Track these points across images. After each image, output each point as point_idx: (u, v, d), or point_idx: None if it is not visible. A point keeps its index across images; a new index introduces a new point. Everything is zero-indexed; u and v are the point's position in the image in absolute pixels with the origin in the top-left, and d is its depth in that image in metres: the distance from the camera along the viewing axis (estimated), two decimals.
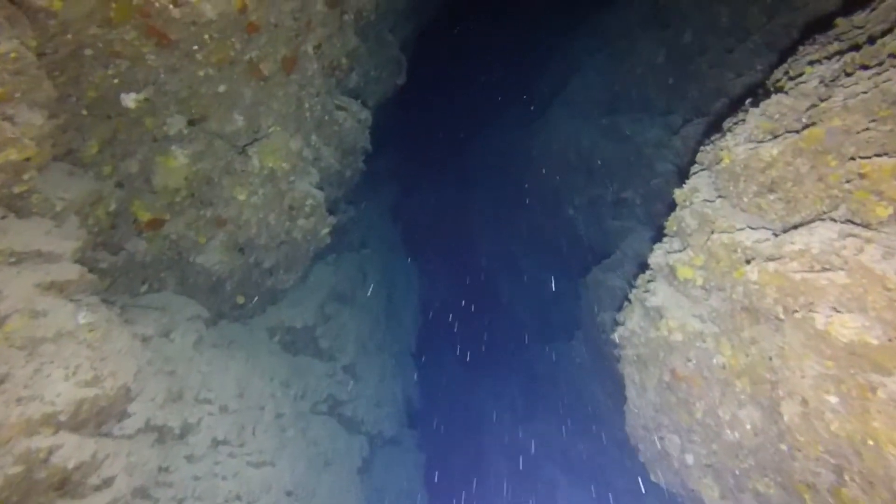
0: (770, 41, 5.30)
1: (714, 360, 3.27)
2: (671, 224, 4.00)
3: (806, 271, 2.39)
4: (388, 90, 7.55)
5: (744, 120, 3.26)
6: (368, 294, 7.81)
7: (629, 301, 4.45)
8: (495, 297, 11.63)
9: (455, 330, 11.85)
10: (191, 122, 4.29)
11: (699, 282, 3.57)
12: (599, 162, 7.84)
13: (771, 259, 2.62)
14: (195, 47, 3.60)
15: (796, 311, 2.47)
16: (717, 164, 3.39)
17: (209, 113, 4.30)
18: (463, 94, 15.51)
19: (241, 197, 4.70)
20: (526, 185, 10.04)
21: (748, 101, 3.68)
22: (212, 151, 4.46)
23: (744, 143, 3.09)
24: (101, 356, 2.95)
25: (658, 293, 3.86)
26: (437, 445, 10.35)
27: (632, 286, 4.84)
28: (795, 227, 2.69)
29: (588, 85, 9.02)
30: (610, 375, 7.09)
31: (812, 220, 2.59)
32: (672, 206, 6.73)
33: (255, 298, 5.74)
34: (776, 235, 2.71)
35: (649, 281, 4.05)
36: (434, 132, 14.77)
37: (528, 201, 10.13)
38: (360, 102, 5.96)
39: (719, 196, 3.37)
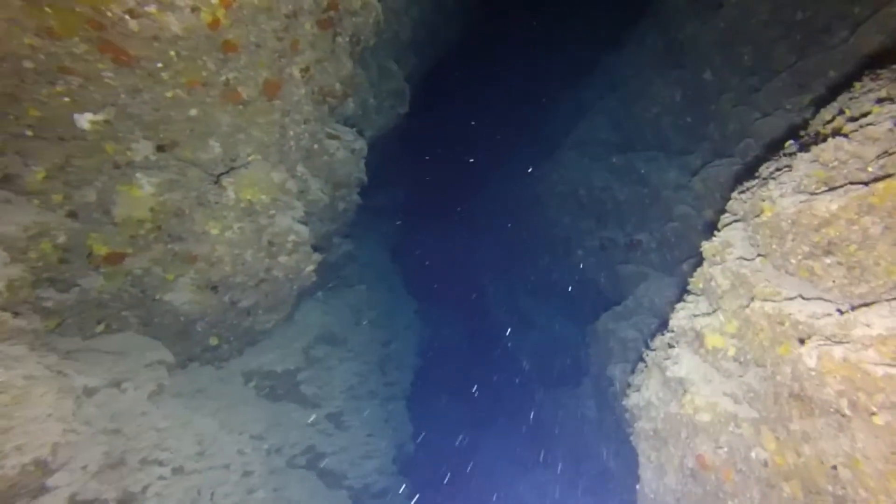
0: (802, 81, 4.82)
1: (753, 454, 2.67)
2: (696, 281, 3.43)
3: (890, 365, 1.82)
4: (389, 121, 7.14)
5: (789, 167, 2.73)
6: (362, 335, 7.24)
7: (645, 364, 3.86)
8: (498, 339, 11.00)
9: (455, 374, 11.19)
10: (160, 149, 3.83)
11: (731, 352, 2.99)
12: (610, 204, 7.33)
13: (836, 342, 2.06)
14: (160, 66, 3.15)
15: (875, 414, 1.88)
16: (757, 216, 2.84)
17: (180, 139, 3.84)
18: (471, 133, 15.21)
19: (215, 231, 4.21)
20: (533, 226, 9.53)
21: (791, 143, 3.16)
22: (183, 181, 3.99)
23: (791, 193, 2.56)
24: (7, 426, 2.40)
25: (681, 362, 3.27)
26: (432, 495, 9.59)
27: (647, 343, 4.26)
28: (865, 301, 2.13)
29: (598, 126, 8.59)
30: (619, 433, 6.42)
31: (889, 295, 2.02)
32: (692, 252, 6.18)
33: (232, 340, 5.20)
34: (840, 312, 2.15)
35: (670, 346, 3.46)
36: (440, 169, 14.42)
37: (534, 242, 9.60)
38: (355, 132, 5.51)
39: (759, 254, 2.82)
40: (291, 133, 4.36)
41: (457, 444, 10.75)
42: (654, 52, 7.54)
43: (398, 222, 11.24)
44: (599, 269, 7.58)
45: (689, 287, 3.64)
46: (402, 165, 13.88)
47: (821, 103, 4.54)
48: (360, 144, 5.48)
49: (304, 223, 4.89)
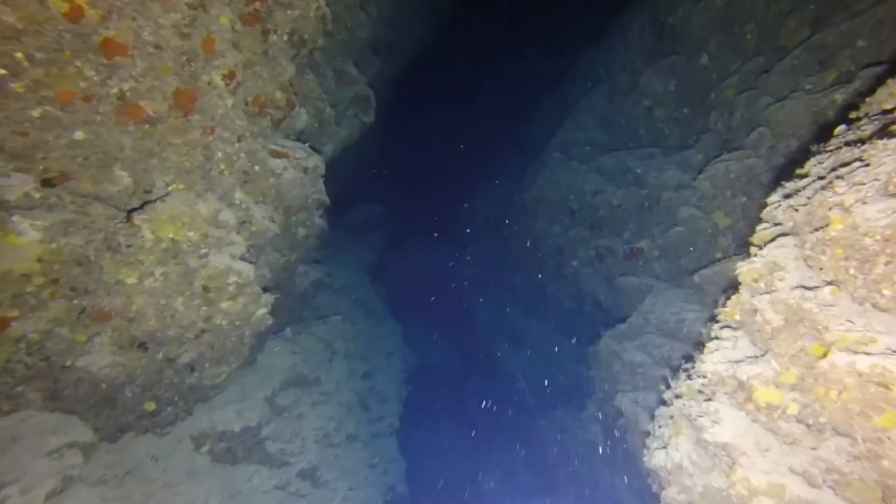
0: (822, 56, 4.08)
1: None
2: (731, 313, 2.66)
3: None
4: (354, 132, 6.35)
5: (863, 161, 1.96)
6: (337, 372, 6.41)
7: (670, 414, 3.08)
8: (491, 360, 10.20)
9: (448, 399, 10.38)
10: (46, 183, 3.01)
11: (793, 411, 2.21)
12: (604, 210, 6.57)
13: None
14: (4, 72, 2.33)
15: None
16: (818, 229, 2.08)
17: (72, 169, 3.02)
18: (452, 139, 14.46)
19: (131, 280, 3.39)
20: (522, 237, 8.76)
21: (844, 129, 2.39)
22: (84, 222, 3.17)
23: (878, 198, 1.79)
24: None
25: (722, 420, 2.49)
26: None
27: (667, 382, 3.49)
28: None
29: (584, 125, 7.85)
30: (631, 466, 5.63)
31: None
32: (701, 260, 5.43)
33: (176, 401, 4.37)
34: None
35: (704, 396, 2.68)
36: (421, 180, 13.63)
37: (524, 254, 8.82)
38: (308, 147, 4.71)
39: (828, 282, 2.04)
40: (220, 154, 3.55)
41: (455, 474, 9.92)
42: (642, 40, 6.82)
43: (378, 240, 10.43)
44: (597, 282, 6.81)
45: (719, 318, 2.87)
46: (381, 178, 13.10)
47: (850, 79, 3.81)
48: (315, 161, 4.68)
49: (250, 260, 4.08)
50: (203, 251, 3.58)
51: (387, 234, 11.42)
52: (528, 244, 8.72)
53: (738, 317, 2.65)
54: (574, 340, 8.80)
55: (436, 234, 12.92)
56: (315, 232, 5.47)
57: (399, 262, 12.32)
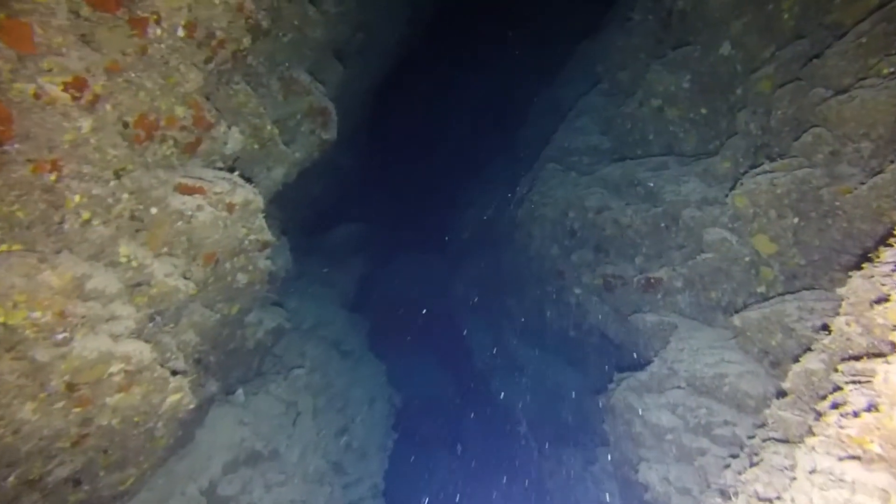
0: None
1: None
2: (861, 439, 1.59)
3: None
4: (311, 151, 5.28)
5: None
6: (302, 437, 5.31)
7: None
8: (486, 391, 9.10)
9: (440, 441, 9.29)
10: None
11: None
12: (610, 229, 5.50)
13: None
14: None
15: None
16: None
17: None
18: (438, 151, 13.41)
19: None
20: (516, 258, 7.69)
21: None
22: None
23: None
24: None
25: None
26: None
27: (723, 494, 2.43)
28: None
29: (582, 130, 6.80)
30: None
31: None
32: (737, 294, 4.36)
33: None
34: None
35: None
36: (406, 195, 12.57)
37: (519, 276, 7.76)
38: (236, 177, 3.64)
39: None
40: (78, 198, 2.47)
41: None
42: (646, 30, 5.79)
43: (359, 265, 9.35)
44: (606, 315, 5.73)
45: (820, 434, 1.80)
46: (362, 195, 12.05)
47: None
48: (245, 195, 3.60)
49: (149, 335, 3.00)
50: (61, 336, 2.50)
51: (369, 257, 10.35)
52: (521, 266, 7.64)
53: (875, 446, 1.57)
54: (578, 370, 7.76)
55: (421, 254, 11.85)
56: (260, 277, 4.38)
57: (383, 286, 11.24)
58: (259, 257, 4.31)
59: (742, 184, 3.92)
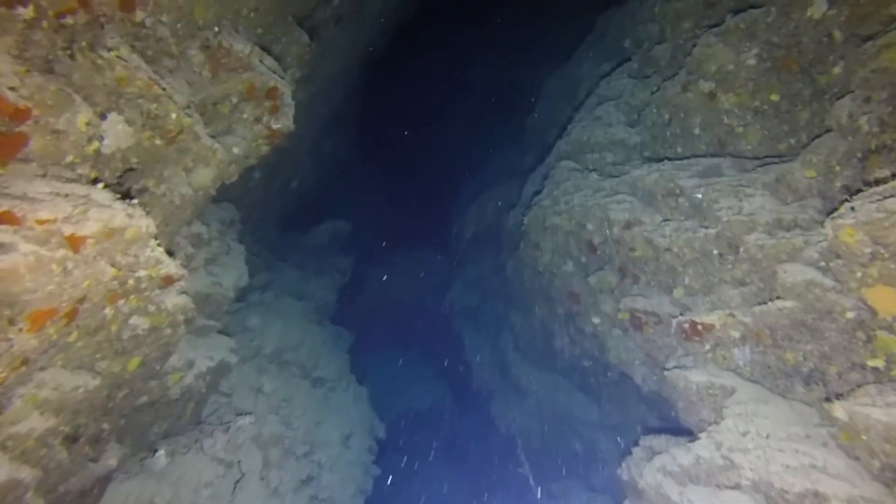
0: None
1: None
2: None
3: None
4: (258, 146, 4.01)
5: None
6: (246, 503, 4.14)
7: None
8: (489, 424, 7.91)
9: (437, 476, 8.16)
10: None
11: None
12: (641, 249, 4.20)
13: None
14: None
15: None
16: None
17: None
18: (436, 137, 12.03)
19: None
20: (520, 267, 6.42)
21: None
22: None
23: None
24: None
25: None
26: None
27: None
28: None
29: (604, 119, 5.44)
30: None
31: None
32: (840, 361, 2.79)
33: None
34: None
35: None
36: (400, 189, 11.26)
37: (524, 290, 6.51)
38: (106, 194, 2.40)
39: None
40: None
41: None
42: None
43: (341, 267, 8.10)
44: (632, 356, 4.47)
45: None
46: (353, 187, 10.75)
47: None
48: (113, 220, 2.34)
49: None
50: None
51: (357, 256, 9.11)
52: (527, 279, 6.38)
53: None
54: (594, 401, 6.56)
55: (418, 251, 10.60)
56: (170, 319, 3.16)
57: (373, 287, 10.04)
58: (164, 294, 3.08)
59: (854, 209, 2.60)
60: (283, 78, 4.12)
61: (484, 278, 8.24)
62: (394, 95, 10.91)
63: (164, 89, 2.84)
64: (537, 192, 5.78)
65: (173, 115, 2.96)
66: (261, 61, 3.90)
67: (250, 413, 4.51)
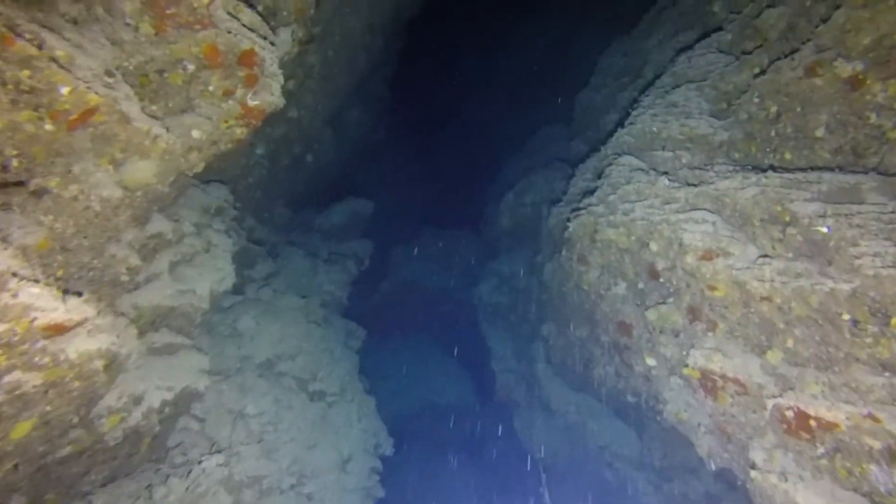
0: None
1: None
2: None
3: None
4: (227, 127, 3.04)
5: None
6: None
7: None
8: (511, 433, 7.00)
9: (451, 476, 7.37)
10: None
11: None
12: (722, 292, 3.06)
13: None
14: None
15: None
16: None
17: None
18: (474, 108, 10.78)
19: None
20: (560, 276, 5.35)
21: None
22: None
23: None
24: None
25: None
26: None
27: None
28: None
29: (680, 107, 4.20)
30: None
31: None
32: None
33: None
34: None
35: None
36: (431, 162, 10.17)
37: (563, 302, 5.45)
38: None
39: None
40: None
41: None
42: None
43: (359, 257, 7.17)
44: (695, 420, 3.39)
45: None
46: (378, 160, 9.73)
47: None
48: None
49: None
50: None
51: (379, 237, 8.18)
52: (567, 291, 5.30)
53: None
54: (633, 430, 5.58)
55: (447, 231, 9.61)
56: (83, 370, 2.29)
57: (398, 269, 9.15)
58: (63, 342, 2.20)
59: None
60: (265, 38, 3.09)
61: (517, 275, 7.19)
62: (429, 64, 9.72)
63: (38, 48, 1.88)
64: (588, 192, 4.63)
65: (64, 89, 2.00)
66: (232, 14, 2.88)
67: (220, 452, 3.70)
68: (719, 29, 4.19)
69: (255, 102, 3.03)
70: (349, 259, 6.76)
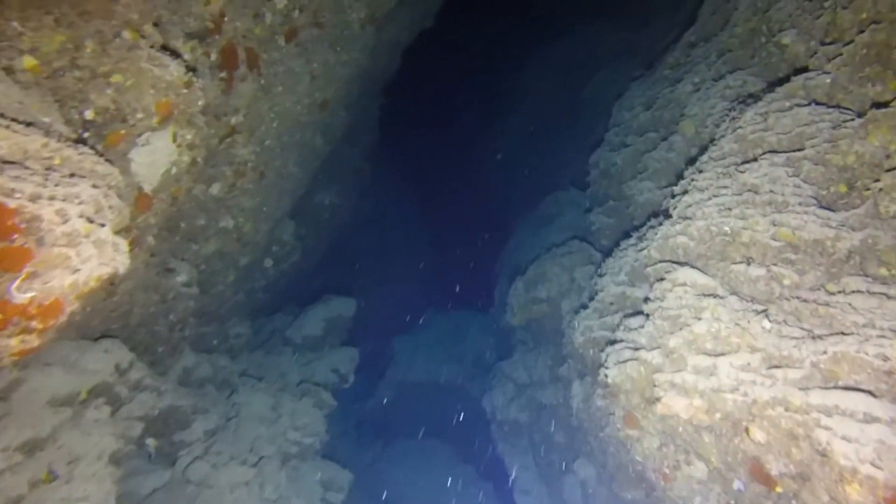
0: None
1: None
2: None
3: None
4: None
5: None
6: None
7: None
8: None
9: None
10: None
11: None
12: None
13: None
14: None
15: None
16: None
17: None
18: (474, 164, 9.49)
19: None
20: (598, 421, 3.80)
21: None
22: None
23: None
24: None
25: None
26: None
27: None
28: None
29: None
30: None
31: None
32: None
33: None
34: None
35: None
36: (427, 235, 8.82)
37: (604, 456, 3.87)
38: None
39: None
40: None
41: None
42: None
43: (342, 379, 5.69)
44: None
45: None
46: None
47: None
48: None
49: None
50: None
51: (375, 328, 6.74)
52: (605, 438, 3.72)
53: None
54: None
55: (452, 318, 8.15)
56: None
57: (395, 367, 7.68)
58: None
59: None
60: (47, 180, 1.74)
61: (536, 384, 5.62)
62: (424, 117, 8.55)
63: None
64: (624, 304, 3.13)
65: None
66: None
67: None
68: (804, 69, 2.74)
69: (26, 295, 1.65)
70: (326, 386, 5.29)
